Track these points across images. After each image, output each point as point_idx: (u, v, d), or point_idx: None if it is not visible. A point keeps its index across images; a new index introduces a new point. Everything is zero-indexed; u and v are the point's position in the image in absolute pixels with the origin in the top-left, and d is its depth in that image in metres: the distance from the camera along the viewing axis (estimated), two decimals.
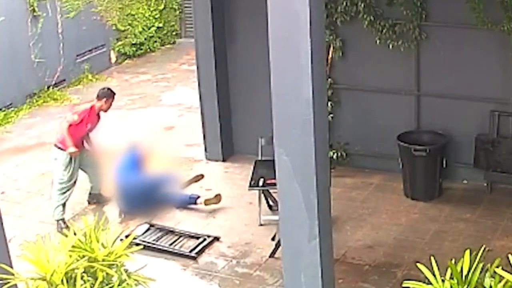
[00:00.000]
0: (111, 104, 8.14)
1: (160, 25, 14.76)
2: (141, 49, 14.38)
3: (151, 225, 7.89)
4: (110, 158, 8.63)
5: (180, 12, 15.20)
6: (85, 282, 4.45)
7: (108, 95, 8.11)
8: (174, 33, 15.17)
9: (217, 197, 8.26)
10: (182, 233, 7.75)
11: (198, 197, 8.17)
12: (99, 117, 8.20)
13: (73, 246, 4.60)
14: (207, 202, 8.15)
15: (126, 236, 4.92)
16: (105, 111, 8.14)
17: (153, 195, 8.09)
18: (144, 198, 8.07)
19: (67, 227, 7.69)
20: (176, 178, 8.19)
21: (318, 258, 4.98)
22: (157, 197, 8.12)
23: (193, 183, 8.39)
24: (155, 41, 14.70)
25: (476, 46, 8.02)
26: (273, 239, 7.40)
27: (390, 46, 8.31)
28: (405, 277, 5.91)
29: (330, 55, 8.58)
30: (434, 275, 4.21)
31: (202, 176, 8.30)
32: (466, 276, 4.13)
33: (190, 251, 7.38)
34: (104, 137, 9.26)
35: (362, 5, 8.29)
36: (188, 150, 9.84)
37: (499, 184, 8.26)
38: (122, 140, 9.00)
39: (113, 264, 4.59)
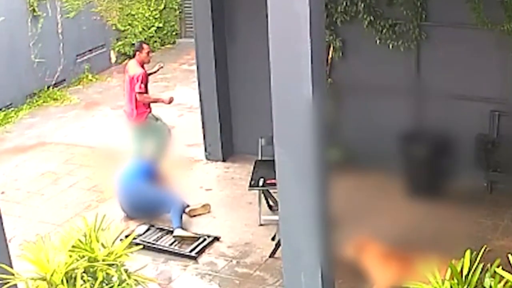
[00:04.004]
0: (148, 52, 8.62)
1: (160, 25, 14.76)
2: None
3: (151, 225, 7.89)
4: (114, 158, 8.65)
5: (180, 12, 15.20)
6: (85, 282, 4.45)
7: (144, 44, 8.71)
8: (174, 33, 15.17)
9: (205, 207, 8.15)
10: None
11: (188, 206, 8.08)
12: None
13: (73, 246, 4.60)
14: (192, 212, 8.03)
15: (126, 236, 4.92)
16: (148, 62, 8.63)
17: (153, 208, 8.02)
18: (144, 208, 8.04)
19: None
20: (182, 204, 7.99)
21: (318, 258, 4.98)
22: (155, 209, 8.04)
23: (199, 213, 8.11)
24: (155, 41, 14.70)
25: (476, 46, 8.01)
26: (273, 239, 7.39)
27: (390, 46, 8.31)
28: None
29: (330, 55, 8.58)
30: (434, 275, 4.21)
31: (208, 205, 8.21)
32: (466, 276, 4.13)
33: (190, 251, 7.38)
34: (104, 137, 9.30)
35: (362, 5, 8.29)
36: (188, 150, 9.83)
37: (499, 184, 8.25)
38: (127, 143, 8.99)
39: (113, 264, 4.60)
